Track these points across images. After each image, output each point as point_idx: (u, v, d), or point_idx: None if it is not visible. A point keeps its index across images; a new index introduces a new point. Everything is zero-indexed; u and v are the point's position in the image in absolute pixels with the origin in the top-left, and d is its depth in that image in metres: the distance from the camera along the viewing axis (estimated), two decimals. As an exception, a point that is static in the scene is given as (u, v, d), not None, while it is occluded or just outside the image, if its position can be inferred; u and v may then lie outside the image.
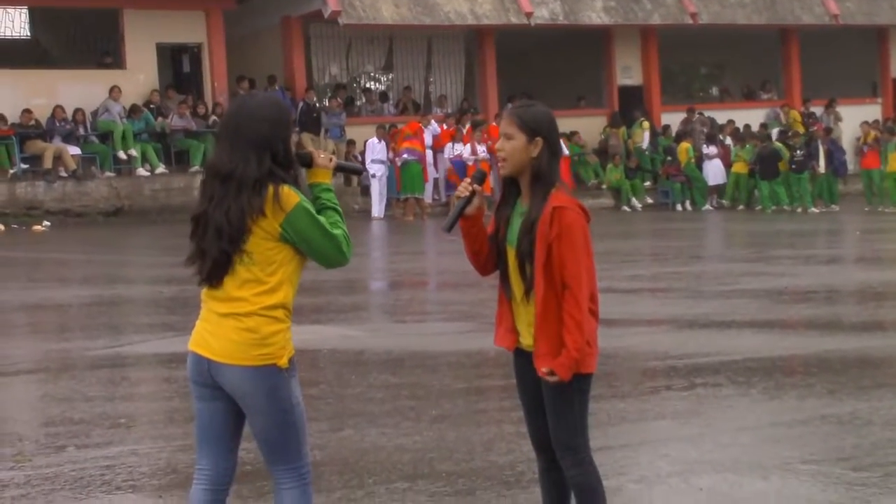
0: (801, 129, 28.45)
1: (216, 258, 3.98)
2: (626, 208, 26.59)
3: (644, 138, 28.04)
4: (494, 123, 24.37)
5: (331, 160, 4.21)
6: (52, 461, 6.52)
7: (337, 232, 4.04)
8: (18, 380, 9.18)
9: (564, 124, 26.65)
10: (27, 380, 9.17)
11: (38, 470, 6.34)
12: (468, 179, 4.39)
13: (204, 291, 4.08)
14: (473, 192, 4.33)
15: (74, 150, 22.55)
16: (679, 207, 26.91)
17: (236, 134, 4.00)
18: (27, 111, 22.59)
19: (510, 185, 4.40)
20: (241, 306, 3.98)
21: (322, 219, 4.02)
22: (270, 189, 3.94)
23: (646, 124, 28.29)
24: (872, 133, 27.63)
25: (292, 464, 4.08)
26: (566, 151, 24.22)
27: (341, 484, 5.97)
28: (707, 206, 27.02)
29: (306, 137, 24.87)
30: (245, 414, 4.09)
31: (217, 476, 4.14)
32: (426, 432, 7.01)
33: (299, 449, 4.08)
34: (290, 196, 3.96)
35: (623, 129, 28.08)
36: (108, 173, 22.87)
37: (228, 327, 3.99)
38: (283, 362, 4.00)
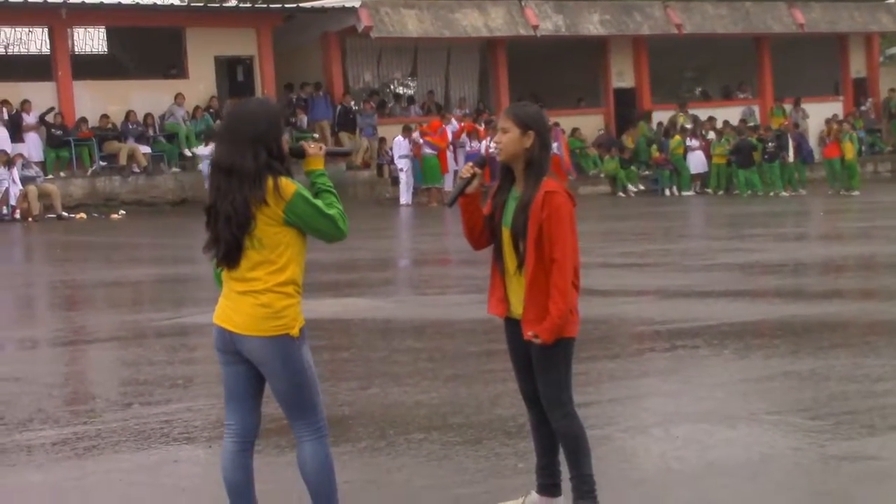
0: (778, 124, 28.20)
1: (228, 241, 3.93)
2: (620, 194, 26.42)
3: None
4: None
5: (321, 149, 4.15)
6: (119, 416, 6.53)
7: (332, 212, 3.96)
8: (95, 347, 9.20)
9: (567, 122, 26.62)
10: (102, 347, 9.19)
11: (107, 424, 6.34)
12: (471, 163, 4.35)
13: (224, 273, 4.04)
14: (474, 174, 4.29)
15: (145, 149, 22.59)
16: (667, 193, 26.73)
17: (235, 133, 3.94)
18: (105, 116, 22.63)
19: (506, 175, 4.36)
20: (255, 285, 3.94)
21: (319, 202, 3.96)
22: (270, 181, 3.89)
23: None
24: (834, 127, 27.45)
25: (308, 419, 4.04)
26: (554, 147, 24.07)
27: (366, 435, 5.94)
28: (690, 192, 26.85)
29: (344, 136, 24.89)
30: (264, 377, 4.05)
31: (244, 431, 4.10)
32: (441, 390, 6.96)
33: (314, 406, 4.04)
34: (288, 185, 3.91)
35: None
36: (174, 169, 22.94)
37: (246, 303, 3.95)
38: (295, 332, 3.95)
